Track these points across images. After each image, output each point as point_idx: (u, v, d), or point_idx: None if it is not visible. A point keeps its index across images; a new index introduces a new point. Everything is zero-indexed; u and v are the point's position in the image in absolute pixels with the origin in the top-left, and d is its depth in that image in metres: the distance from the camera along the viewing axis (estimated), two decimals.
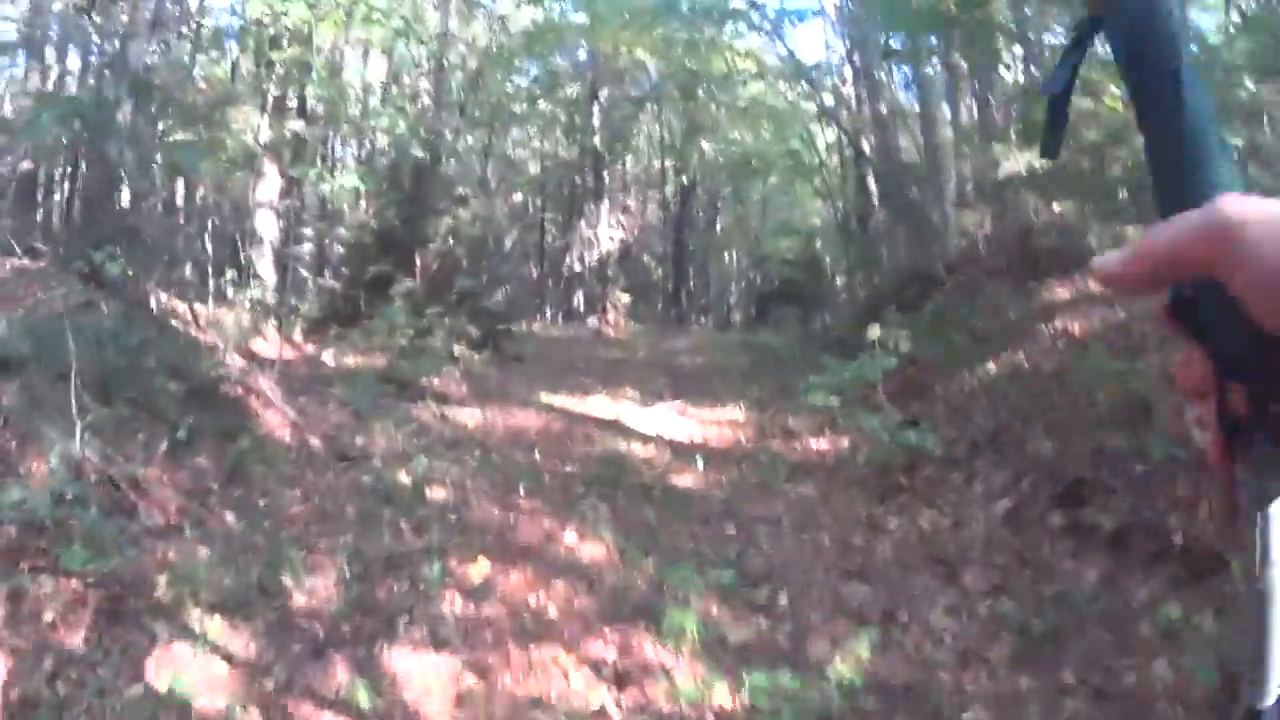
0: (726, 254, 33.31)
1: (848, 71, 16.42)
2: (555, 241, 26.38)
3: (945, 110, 10.65)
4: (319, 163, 11.22)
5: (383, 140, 13.93)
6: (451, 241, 10.84)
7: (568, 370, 11.52)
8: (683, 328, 24.88)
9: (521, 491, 5.53)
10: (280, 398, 6.77)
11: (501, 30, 19.95)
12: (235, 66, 11.67)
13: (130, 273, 5.58)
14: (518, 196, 28.81)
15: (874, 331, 7.63)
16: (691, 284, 29.83)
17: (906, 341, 7.50)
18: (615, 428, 7.87)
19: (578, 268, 23.31)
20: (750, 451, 7.32)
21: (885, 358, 7.05)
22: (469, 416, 7.69)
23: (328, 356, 9.58)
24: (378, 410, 7.17)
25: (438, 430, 7.07)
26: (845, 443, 7.12)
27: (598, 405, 9.02)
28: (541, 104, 23.98)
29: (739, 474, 6.62)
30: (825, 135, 20.97)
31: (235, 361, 6.77)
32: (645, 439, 7.44)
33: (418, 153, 11.08)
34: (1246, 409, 0.37)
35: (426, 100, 14.80)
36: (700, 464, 6.57)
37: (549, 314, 24.19)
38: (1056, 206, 8.29)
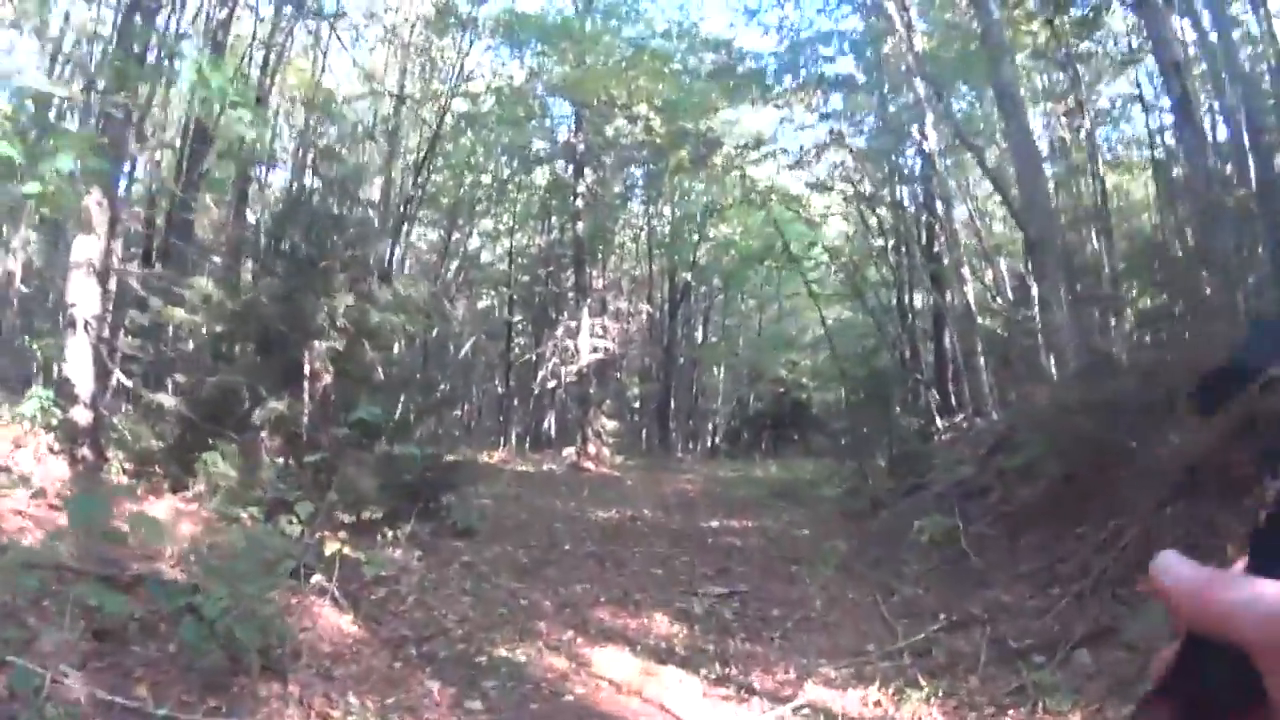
0: (710, 371, 29.28)
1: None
2: (525, 355, 21.80)
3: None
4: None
5: None
6: (353, 336, 6.40)
7: (546, 556, 6.91)
8: (671, 457, 20.41)
9: None
10: None
11: (465, 93, 16.15)
12: None
13: None
14: (483, 302, 24.55)
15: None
16: (674, 404, 25.47)
17: None
18: None
19: (551, 383, 18.87)
20: None
21: None
22: None
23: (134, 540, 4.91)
24: None
25: None
26: None
27: (613, 668, 4.44)
28: (515, 194, 20.18)
29: None
30: (853, 223, 17.35)
31: None
32: None
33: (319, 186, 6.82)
34: None
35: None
36: None
37: (514, 439, 19.53)
38: None
